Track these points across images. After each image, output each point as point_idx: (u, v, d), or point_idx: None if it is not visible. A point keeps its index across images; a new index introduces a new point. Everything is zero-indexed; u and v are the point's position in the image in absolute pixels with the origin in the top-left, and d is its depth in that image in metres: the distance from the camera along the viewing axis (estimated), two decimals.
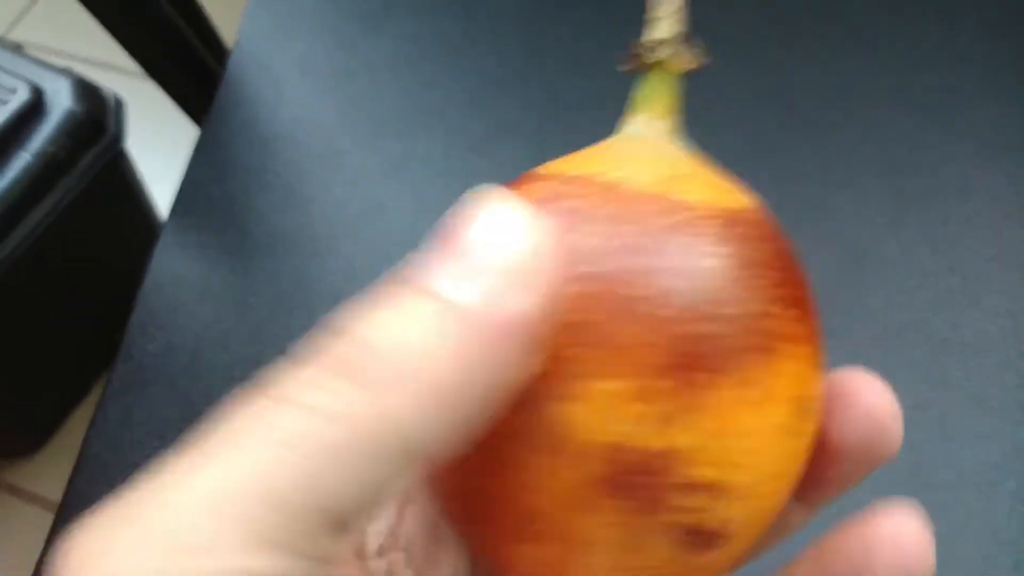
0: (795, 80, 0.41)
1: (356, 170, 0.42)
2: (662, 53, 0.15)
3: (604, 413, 0.14)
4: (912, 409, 0.33)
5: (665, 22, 0.15)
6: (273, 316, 0.38)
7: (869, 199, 0.38)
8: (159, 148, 0.79)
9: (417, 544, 0.18)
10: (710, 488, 0.14)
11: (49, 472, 0.78)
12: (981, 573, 0.30)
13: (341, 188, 0.41)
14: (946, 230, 0.37)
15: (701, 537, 0.14)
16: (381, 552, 0.18)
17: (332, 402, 0.12)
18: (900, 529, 0.15)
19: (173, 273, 0.40)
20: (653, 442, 0.13)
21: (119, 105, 0.62)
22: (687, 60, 0.15)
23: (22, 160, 0.56)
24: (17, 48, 0.61)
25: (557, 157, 0.16)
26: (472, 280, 0.12)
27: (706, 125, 0.40)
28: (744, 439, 0.14)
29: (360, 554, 0.17)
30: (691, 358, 0.13)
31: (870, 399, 0.15)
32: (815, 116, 0.40)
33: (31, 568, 0.34)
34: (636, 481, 0.14)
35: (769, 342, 0.14)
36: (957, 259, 0.36)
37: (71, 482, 0.35)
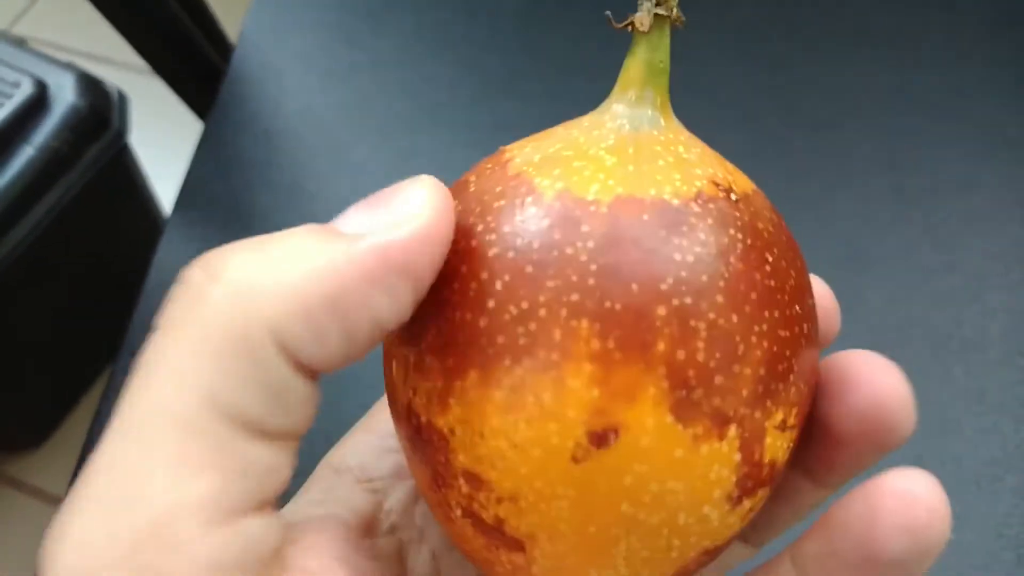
0: (796, 78, 0.41)
1: (359, 165, 0.42)
2: (666, 11, 0.15)
3: (402, 375, 0.15)
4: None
5: None
6: None
7: (870, 196, 0.38)
8: (162, 143, 0.79)
9: (433, 523, 0.18)
10: (471, 479, 0.14)
11: (51, 466, 0.79)
12: (982, 568, 0.30)
13: (344, 183, 0.41)
14: (947, 228, 0.37)
15: (483, 525, 0.14)
16: (393, 530, 0.18)
17: (204, 307, 0.13)
18: (907, 487, 0.13)
19: (177, 268, 0.40)
20: (436, 418, 0.14)
21: (123, 100, 0.62)
22: (679, 19, 0.16)
23: (25, 154, 0.56)
24: (21, 43, 0.61)
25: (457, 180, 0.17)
26: (364, 220, 0.14)
27: (707, 122, 0.40)
28: (496, 440, 0.14)
29: (370, 531, 0.17)
30: (465, 347, 0.14)
31: (873, 381, 0.15)
32: (816, 114, 0.40)
33: (33, 562, 0.34)
34: (427, 450, 0.15)
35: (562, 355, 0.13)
36: (958, 256, 0.36)
37: (75, 476, 0.35)
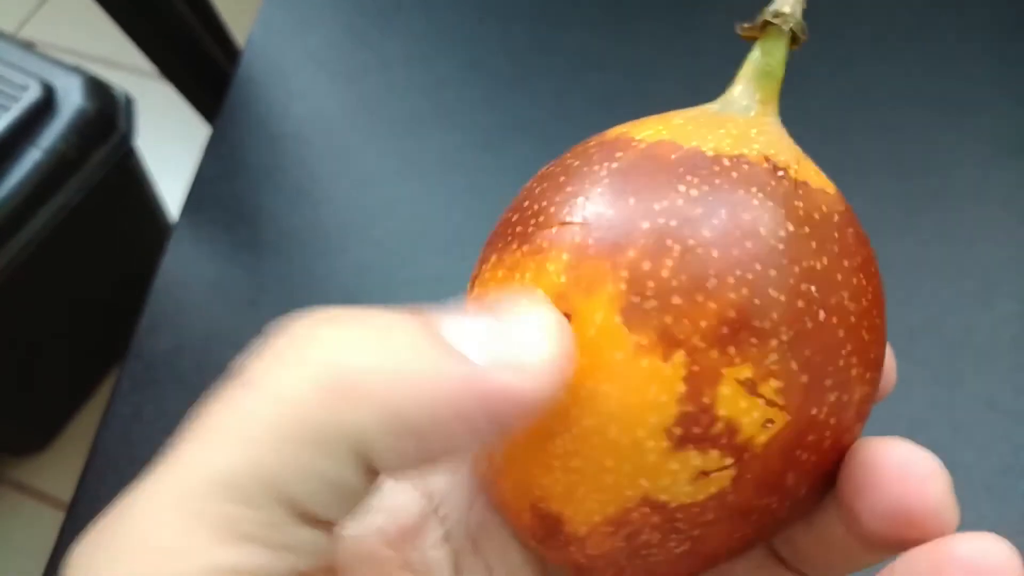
0: (808, 81, 0.41)
1: (367, 168, 0.42)
2: (785, 22, 0.16)
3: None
4: (924, 410, 0.33)
5: None
6: (283, 313, 0.38)
7: (882, 200, 0.38)
8: (169, 147, 0.79)
9: (487, 533, 0.18)
10: None
11: (56, 470, 0.78)
12: None
13: (352, 186, 0.41)
14: (959, 232, 0.37)
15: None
16: (448, 538, 0.17)
17: (288, 384, 0.12)
18: (978, 554, 0.12)
19: (184, 271, 0.40)
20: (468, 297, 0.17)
21: (129, 103, 0.62)
22: (803, 32, 0.17)
23: (33, 157, 0.56)
24: (28, 46, 0.61)
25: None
26: (480, 341, 0.13)
27: None
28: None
29: (411, 543, 0.17)
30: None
31: (902, 480, 0.13)
32: (828, 117, 0.40)
33: (38, 565, 0.34)
34: None
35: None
36: (970, 262, 0.36)
37: (82, 479, 0.35)
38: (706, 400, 0.13)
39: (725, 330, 0.13)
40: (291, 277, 0.39)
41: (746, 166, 0.15)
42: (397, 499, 0.17)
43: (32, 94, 0.57)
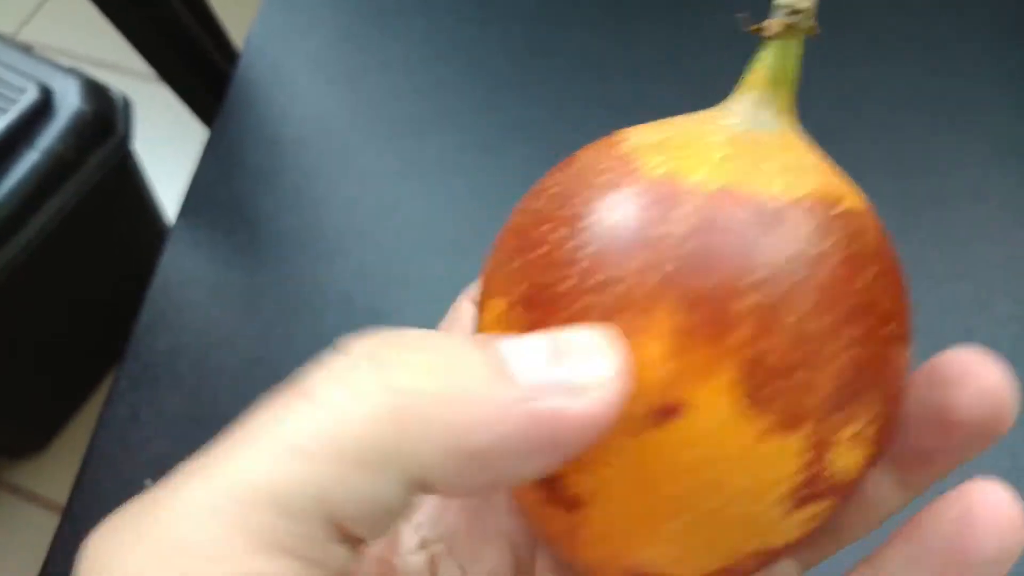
0: (807, 82, 0.41)
1: (366, 170, 0.42)
2: (797, 20, 0.15)
3: (490, 323, 0.15)
4: None
5: None
6: (281, 316, 0.38)
7: (880, 202, 0.38)
8: (165, 150, 0.79)
9: (460, 536, 0.18)
10: None
11: (51, 473, 0.78)
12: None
13: (351, 188, 0.41)
14: (957, 234, 0.37)
15: (544, 480, 0.15)
16: (424, 545, 0.18)
17: (350, 403, 0.12)
18: (999, 493, 0.14)
19: (182, 273, 0.40)
20: None
21: (127, 105, 0.62)
22: (814, 29, 0.16)
23: (30, 159, 0.56)
24: (27, 49, 0.61)
25: (568, 156, 0.16)
26: (537, 364, 0.13)
27: None
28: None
29: (393, 551, 0.17)
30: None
31: (987, 374, 0.15)
32: (827, 118, 0.40)
33: (32, 568, 0.34)
34: None
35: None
36: (968, 264, 0.36)
37: (78, 480, 0.35)
38: (824, 463, 0.14)
39: (837, 397, 0.14)
40: (289, 279, 0.39)
41: (813, 210, 0.14)
42: None
43: (30, 96, 0.57)
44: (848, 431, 0.14)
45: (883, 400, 0.14)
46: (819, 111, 0.41)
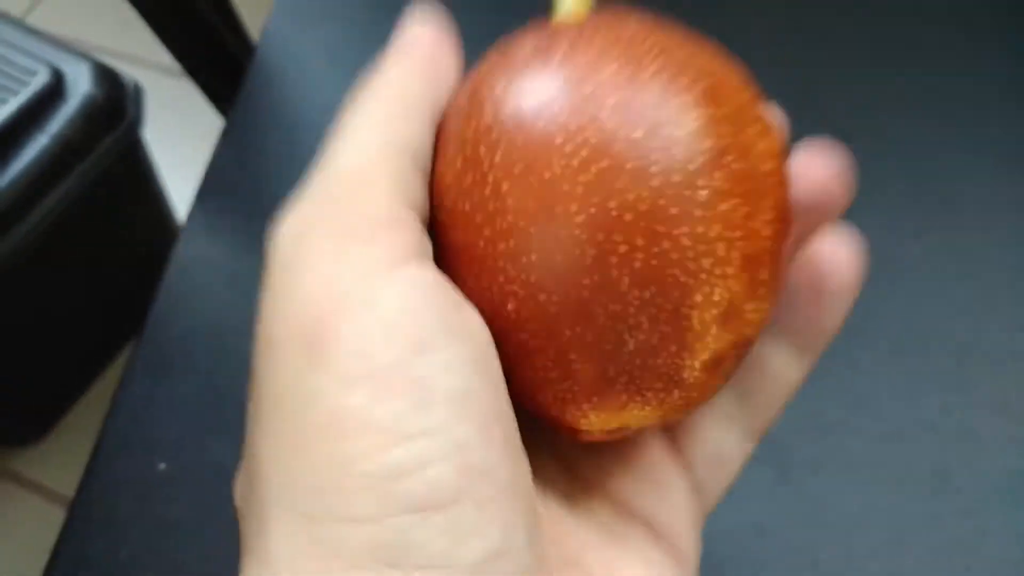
0: (818, 88, 0.41)
1: None
2: None
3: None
4: (934, 415, 0.33)
5: None
6: None
7: (892, 207, 0.38)
8: (176, 141, 0.79)
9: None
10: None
11: (53, 461, 0.78)
12: None
13: None
14: (968, 239, 0.37)
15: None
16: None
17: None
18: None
19: (198, 258, 0.40)
20: None
21: (138, 91, 0.62)
22: None
23: (40, 142, 0.56)
24: (38, 32, 0.61)
25: None
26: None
27: None
28: None
29: None
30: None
31: (813, 164, 0.18)
32: (838, 124, 0.40)
33: (34, 556, 0.34)
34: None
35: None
36: (979, 268, 0.36)
37: (91, 461, 0.35)
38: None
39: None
40: None
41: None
42: None
43: (41, 79, 0.56)
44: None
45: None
46: (830, 115, 0.41)
